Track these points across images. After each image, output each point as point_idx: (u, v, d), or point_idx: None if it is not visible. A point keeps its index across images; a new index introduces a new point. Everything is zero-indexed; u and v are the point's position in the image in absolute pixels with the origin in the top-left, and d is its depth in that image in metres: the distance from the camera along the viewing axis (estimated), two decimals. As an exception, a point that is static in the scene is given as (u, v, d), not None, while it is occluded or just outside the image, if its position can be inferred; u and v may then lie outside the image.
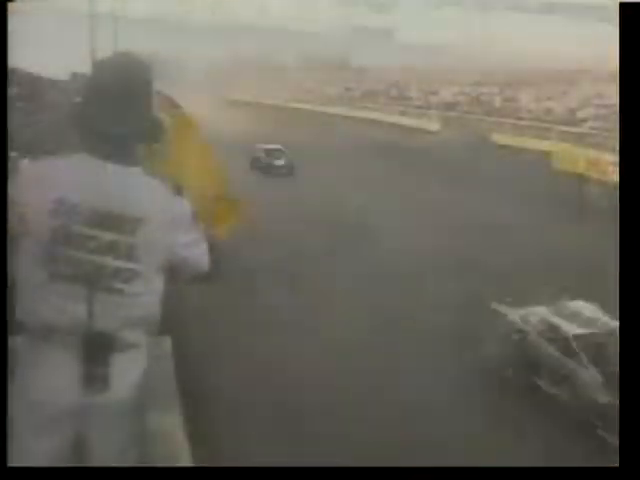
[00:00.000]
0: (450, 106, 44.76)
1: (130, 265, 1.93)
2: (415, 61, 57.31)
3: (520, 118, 37.00)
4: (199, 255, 2.12)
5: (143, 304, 1.98)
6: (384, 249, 13.29)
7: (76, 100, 2.01)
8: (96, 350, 1.92)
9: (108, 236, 1.92)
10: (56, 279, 1.91)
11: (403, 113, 44.96)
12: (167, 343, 3.10)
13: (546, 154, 25.30)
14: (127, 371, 1.98)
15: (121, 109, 1.94)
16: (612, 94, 28.92)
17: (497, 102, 43.07)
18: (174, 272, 2.09)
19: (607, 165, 21.11)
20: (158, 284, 2.04)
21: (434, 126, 38.91)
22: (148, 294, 2.00)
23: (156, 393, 2.45)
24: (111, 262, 1.92)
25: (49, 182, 1.93)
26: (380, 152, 27.81)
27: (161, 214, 1.98)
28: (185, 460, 2.55)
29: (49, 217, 1.89)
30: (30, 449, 1.97)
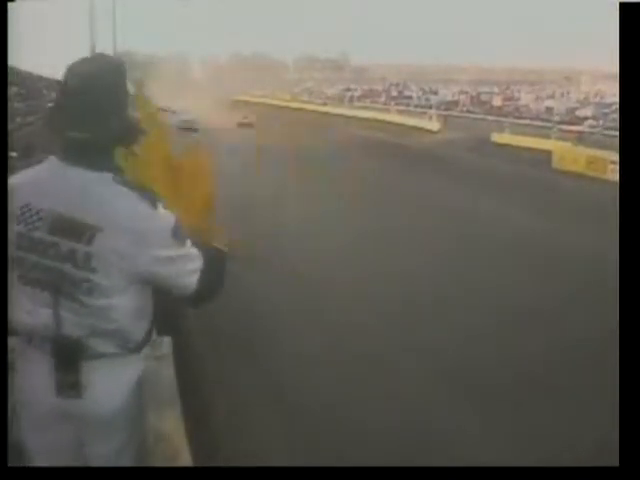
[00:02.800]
0: (450, 105, 44.83)
1: (88, 275, 1.87)
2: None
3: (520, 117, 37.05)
4: (180, 274, 1.98)
5: (110, 319, 1.92)
6: (383, 249, 13.28)
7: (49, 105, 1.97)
8: (65, 356, 1.90)
9: (67, 244, 1.87)
10: (24, 282, 1.91)
11: (402, 112, 45.03)
12: (167, 344, 3.11)
13: (547, 153, 25.33)
14: (102, 380, 1.93)
15: (93, 113, 1.88)
16: (612, 93, 28.96)
17: (497, 101, 43.13)
18: (159, 289, 2.02)
19: (607, 164, 21.13)
20: (129, 301, 1.94)
21: (434, 125, 38.94)
22: (114, 309, 1.92)
23: (156, 393, 2.46)
24: (70, 270, 1.87)
25: (19, 191, 1.92)
26: (380, 151, 27.78)
27: (125, 224, 1.87)
28: (185, 460, 2.55)
29: (16, 222, 1.89)
30: (25, 446, 1.99)
